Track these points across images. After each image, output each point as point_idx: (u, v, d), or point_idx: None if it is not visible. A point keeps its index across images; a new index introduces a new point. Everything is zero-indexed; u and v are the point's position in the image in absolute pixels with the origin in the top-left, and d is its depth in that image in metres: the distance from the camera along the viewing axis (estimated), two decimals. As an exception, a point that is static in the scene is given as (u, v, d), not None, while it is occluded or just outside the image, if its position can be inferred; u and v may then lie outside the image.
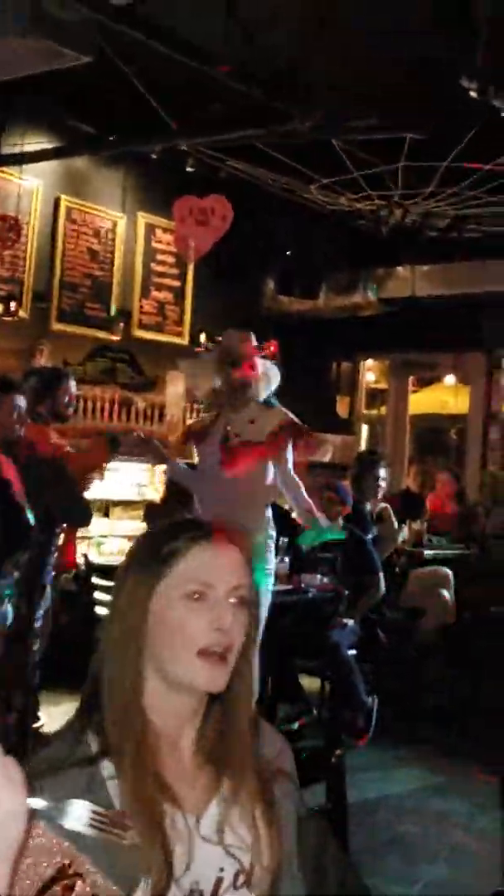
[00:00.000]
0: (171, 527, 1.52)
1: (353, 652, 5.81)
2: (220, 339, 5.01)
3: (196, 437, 4.87)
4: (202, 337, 9.06)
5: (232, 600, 1.46)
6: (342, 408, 11.43)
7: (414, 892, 3.72)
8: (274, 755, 1.58)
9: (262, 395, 4.79)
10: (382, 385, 12.04)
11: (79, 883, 1.29)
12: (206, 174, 7.69)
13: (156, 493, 7.45)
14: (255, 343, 4.82)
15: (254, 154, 7.20)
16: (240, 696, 1.50)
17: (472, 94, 5.09)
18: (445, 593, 6.80)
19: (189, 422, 5.23)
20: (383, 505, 6.77)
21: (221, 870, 1.43)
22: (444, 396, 12.20)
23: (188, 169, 7.61)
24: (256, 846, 1.46)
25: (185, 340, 9.16)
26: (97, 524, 7.05)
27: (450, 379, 11.58)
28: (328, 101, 5.97)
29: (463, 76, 5.00)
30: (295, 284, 9.34)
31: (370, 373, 12.07)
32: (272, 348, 9.30)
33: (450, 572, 6.91)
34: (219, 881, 1.42)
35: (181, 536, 1.47)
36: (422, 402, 12.42)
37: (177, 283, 9.09)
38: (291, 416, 4.82)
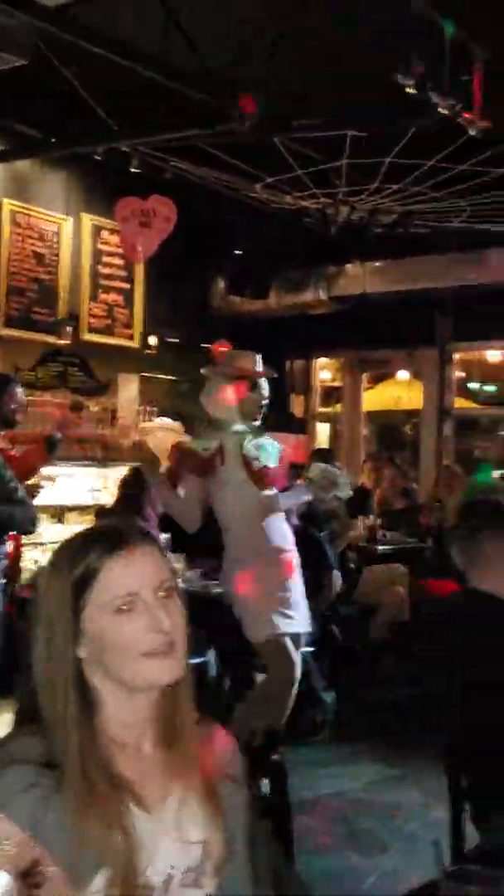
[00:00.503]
0: (82, 541, 1.52)
1: (309, 649, 5.82)
2: (224, 358, 5.00)
3: (200, 465, 4.72)
4: (152, 339, 9.03)
5: (161, 594, 1.47)
6: (297, 406, 11.45)
7: (367, 884, 3.73)
8: (225, 758, 1.60)
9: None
10: (337, 382, 12.07)
11: (41, 877, 1.33)
12: (150, 175, 7.67)
13: (110, 497, 7.41)
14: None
15: (198, 154, 7.18)
16: (180, 683, 1.52)
17: (410, 90, 5.12)
18: (400, 589, 6.85)
19: (183, 448, 5.07)
20: (336, 502, 6.81)
21: (172, 867, 1.44)
22: (399, 392, 12.27)
23: (132, 169, 7.58)
24: (206, 845, 1.48)
25: (135, 343, 9.12)
26: (51, 530, 7.01)
27: (403, 375, 11.63)
28: (269, 101, 5.97)
29: (399, 72, 5.02)
30: (245, 284, 9.34)
31: (324, 371, 12.10)
32: (223, 349, 9.34)
33: (404, 568, 6.95)
34: (169, 877, 1.44)
35: (93, 550, 1.47)
36: (377, 398, 12.47)
37: (125, 285, 9.04)
38: None
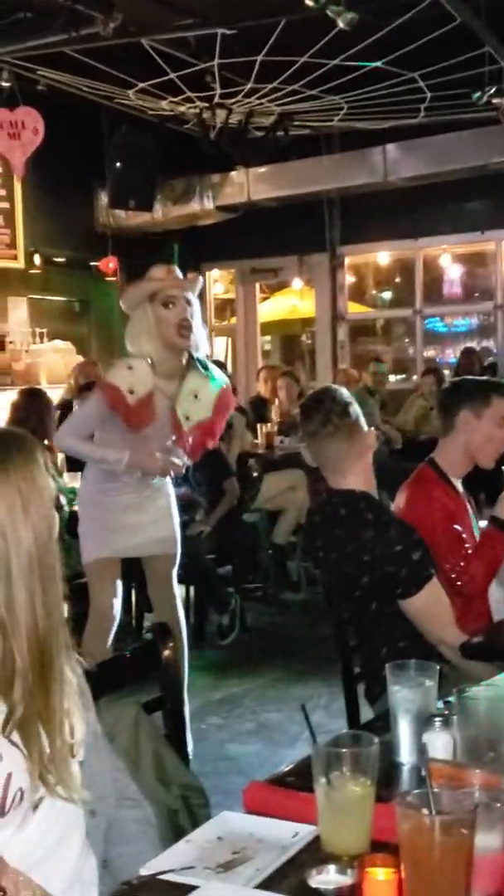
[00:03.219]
0: None
1: (211, 556, 5.88)
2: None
3: (132, 411, 3.71)
4: (36, 259, 8.81)
5: None
6: (192, 321, 11.35)
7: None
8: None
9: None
10: (231, 294, 11.99)
11: None
12: (23, 87, 7.36)
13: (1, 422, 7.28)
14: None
15: (70, 64, 6.93)
16: None
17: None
18: (300, 493, 6.92)
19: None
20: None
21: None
22: (294, 300, 12.27)
23: (3, 84, 7.28)
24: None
25: (20, 264, 8.87)
26: None
27: (296, 283, 11.60)
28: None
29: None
30: (128, 197, 9.11)
31: (217, 284, 12.00)
32: (111, 265, 9.18)
33: (302, 472, 7.00)
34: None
35: None
36: (273, 308, 12.45)
37: (5, 205, 8.74)
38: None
